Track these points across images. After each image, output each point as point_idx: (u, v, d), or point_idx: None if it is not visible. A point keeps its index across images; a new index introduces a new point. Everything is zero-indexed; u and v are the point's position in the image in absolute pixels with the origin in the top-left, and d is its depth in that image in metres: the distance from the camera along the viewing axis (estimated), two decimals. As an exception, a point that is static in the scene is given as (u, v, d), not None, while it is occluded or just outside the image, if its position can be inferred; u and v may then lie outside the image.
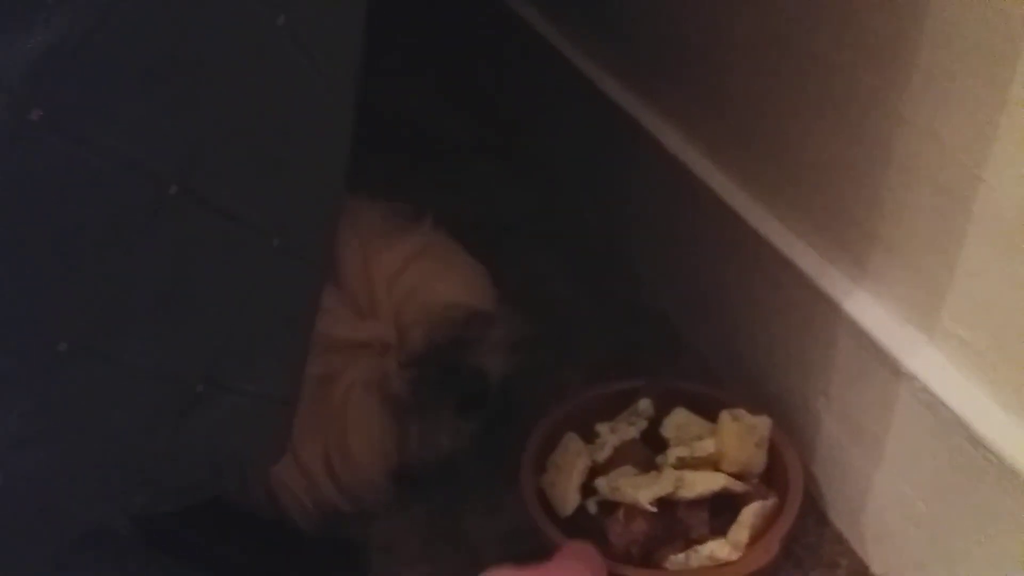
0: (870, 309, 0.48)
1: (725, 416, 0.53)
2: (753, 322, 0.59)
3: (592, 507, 0.51)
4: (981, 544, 0.43)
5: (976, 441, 0.41)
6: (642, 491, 0.49)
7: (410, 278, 0.54)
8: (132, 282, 0.31)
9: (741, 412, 0.53)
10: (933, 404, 0.44)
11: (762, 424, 0.52)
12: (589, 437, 0.55)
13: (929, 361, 0.45)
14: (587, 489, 0.52)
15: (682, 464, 0.51)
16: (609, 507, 0.50)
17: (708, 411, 0.54)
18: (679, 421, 0.54)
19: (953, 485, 0.44)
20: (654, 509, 0.48)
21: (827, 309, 0.51)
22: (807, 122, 0.51)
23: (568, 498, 0.51)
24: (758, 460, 0.52)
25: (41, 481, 0.33)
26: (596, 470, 0.53)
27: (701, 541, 0.49)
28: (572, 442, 0.54)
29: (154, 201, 0.30)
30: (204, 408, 0.34)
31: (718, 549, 0.48)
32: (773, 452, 0.52)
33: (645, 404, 0.55)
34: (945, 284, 0.44)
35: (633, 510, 0.49)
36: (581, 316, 0.72)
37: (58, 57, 0.26)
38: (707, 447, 0.51)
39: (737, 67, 0.56)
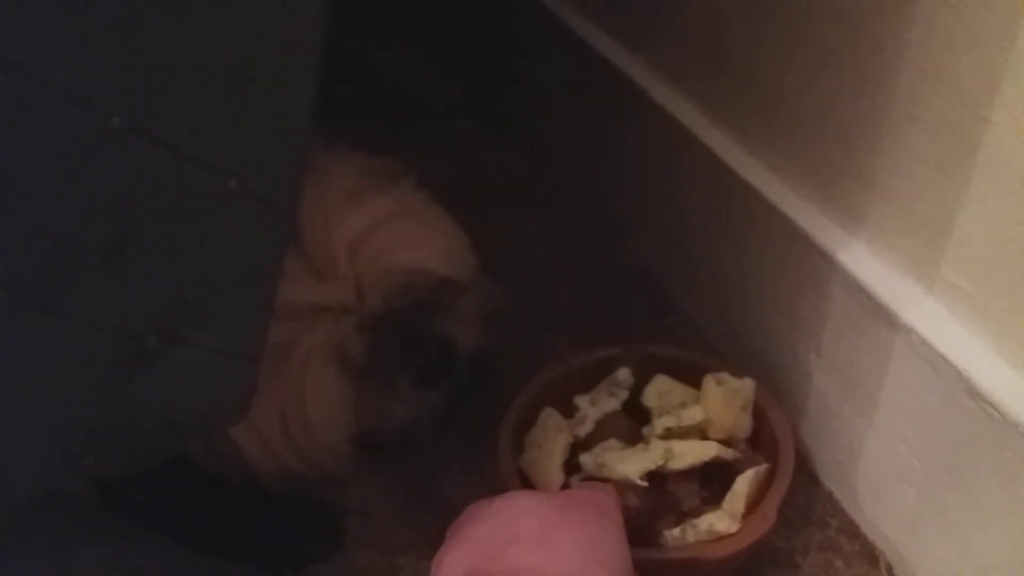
0: (866, 261, 0.46)
1: (709, 381, 0.51)
2: (743, 278, 0.57)
3: (578, 485, 0.49)
4: (978, 503, 0.42)
5: (977, 395, 0.40)
6: (632, 466, 0.47)
7: (376, 241, 0.52)
8: (74, 224, 0.28)
9: (724, 376, 0.51)
10: (931, 357, 0.42)
11: (746, 387, 0.51)
12: (568, 411, 0.53)
13: (928, 313, 0.43)
14: (570, 466, 0.50)
15: (669, 434, 0.49)
16: (594, 481, 0.48)
17: (689, 376, 0.53)
18: (660, 389, 0.53)
19: (950, 441, 0.42)
20: (645, 484, 0.46)
21: (820, 262, 0.49)
22: (806, 70, 0.48)
23: (551, 478, 0.49)
24: (744, 424, 0.50)
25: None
26: (578, 445, 0.51)
27: (693, 513, 0.47)
28: (550, 418, 0.52)
29: (94, 134, 0.27)
30: (157, 363, 0.32)
31: (717, 521, 0.46)
32: (758, 414, 0.51)
33: (624, 374, 0.53)
34: (945, 233, 0.41)
35: (622, 486, 0.46)
36: (567, 279, 0.70)
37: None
38: (695, 415, 0.50)
39: (732, 16, 0.53)
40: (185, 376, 0.33)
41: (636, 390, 0.53)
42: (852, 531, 0.51)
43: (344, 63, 0.52)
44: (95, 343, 0.30)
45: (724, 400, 0.50)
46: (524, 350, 0.62)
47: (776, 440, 0.49)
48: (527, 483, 0.49)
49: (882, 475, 0.48)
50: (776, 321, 0.55)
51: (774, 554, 0.50)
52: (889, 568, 0.49)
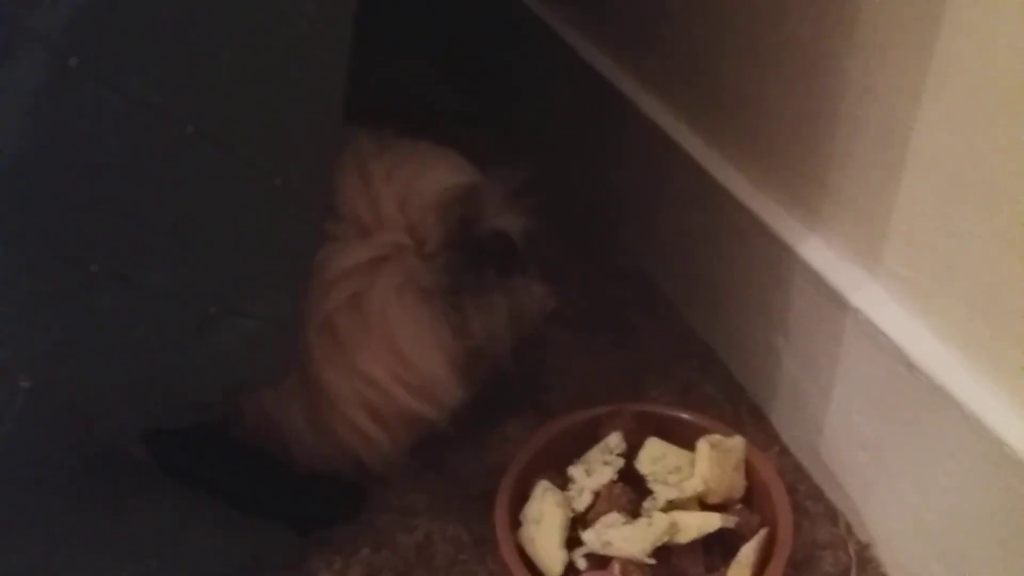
0: (821, 252, 0.53)
1: (703, 446, 0.51)
2: (720, 272, 0.64)
3: (581, 562, 0.48)
4: (917, 463, 0.48)
5: (912, 366, 0.46)
6: (638, 544, 0.46)
7: (401, 179, 0.54)
8: (153, 212, 0.36)
9: (717, 438, 0.52)
10: (874, 334, 0.48)
11: (737, 446, 0.52)
12: (561, 481, 0.52)
13: (872, 296, 0.49)
14: (569, 540, 0.49)
15: (671, 506, 0.49)
16: (599, 558, 0.48)
17: (678, 434, 0.54)
18: (654, 454, 0.52)
19: (893, 409, 0.49)
20: (653, 562, 0.46)
21: (785, 254, 0.55)
22: (765, 86, 0.55)
23: (555, 559, 0.48)
24: (739, 484, 0.51)
25: (70, 389, 0.38)
26: (577, 519, 0.50)
27: None
28: (548, 493, 0.51)
29: (173, 140, 0.34)
30: (216, 328, 0.39)
31: None
32: (749, 469, 0.52)
33: (616, 439, 0.53)
34: (885, 226, 0.48)
35: (628, 564, 0.46)
36: (568, 275, 0.77)
37: (94, 11, 0.30)
38: (696, 485, 0.50)
39: (708, 39, 0.60)
40: (239, 340, 0.40)
41: (628, 453, 0.53)
42: (817, 495, 0.57)
43: (368, 76, 0.59)
44: (167, 310, 0.38)
45: (719, 464, 0.51)
46: (529, 338, 0.68)
47: (769, 494, 0.50)
48: (527, 560, 0.49)
49: (840, 443, 0.54)
50: (750, 310, 0.61)
51: (745, 515, 0.56)
52: (848, 527, 0.55)
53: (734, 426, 0.61)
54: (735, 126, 0.59)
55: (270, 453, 0.57)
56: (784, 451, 0.60)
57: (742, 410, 0.63)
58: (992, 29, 0.39)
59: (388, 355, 0.52)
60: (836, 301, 0.51)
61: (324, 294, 0.49)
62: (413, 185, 0.55)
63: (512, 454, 0.55)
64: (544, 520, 0.49)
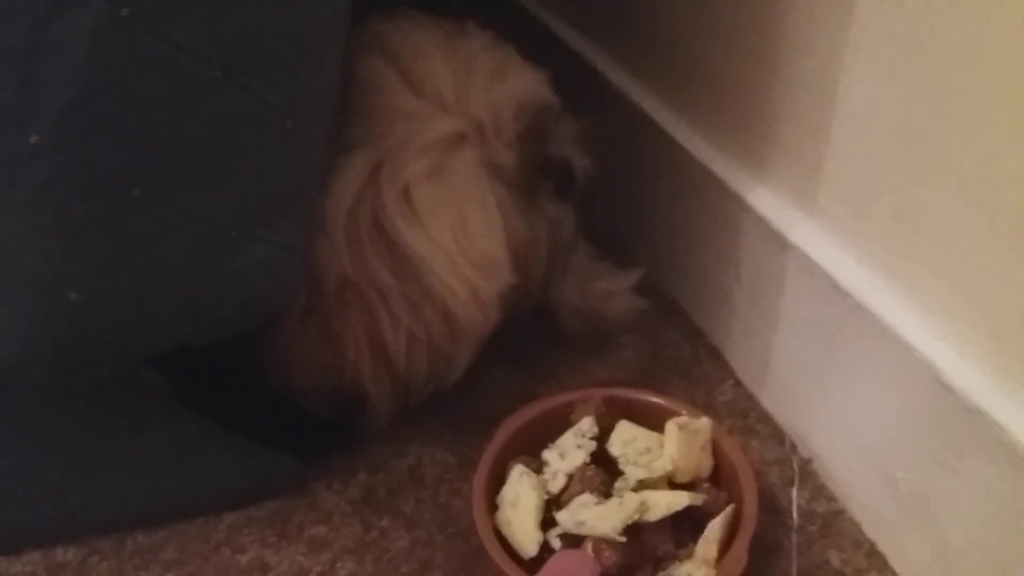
0: (767, 199, 0.60)
1: (671, 428, 0.53)
2: (683, 227, 0.71)
3: (555, 541, 0.50)
4: (848, 380, 0.55)
5: (839, 289, 0.53)
6: (610, 522, 0.48)
7: (490, 69, 0.56)
8: (187, 145, 0.42)
9: (684, 420, 0.54)
10: (810, 266, 0.55)
11: (705, 426, 0.54)
12: (536, 465, 0.54)
13: (808, 234, 0.56)
14: (544, 521, 0.51)
15: (641, 485, 0.51)
16: (573, 538, 0.50)
17: (647, 416, 0.56)
18: (624, 436, 0.54)
19: (825, 332, 0.56)
20: (624, 539, 0.48)
21: (735, 203, 0.62)
22: (716, 49, 0.62)
23: (530, 539, 0.50)
24: (706, 463, 0.54)
25: (112, 303, 0.44)
26: (551, 501, 0.52)
27: (667, 558, 0.49)
28: (524, 476, 0.53)
29: (204, 82, 0.41)
30: (236, 251, 0.45)
31: (695, 570, 0.48)
32: (715, 448, 0.54)
33: (588, 423, 0.55)
34: (819, 172, 0.55)
35: (601, 542, 0.48)
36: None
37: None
38: (664, 464, 0.52)
39: (665, 7, 0.67)
40: (255, 263, 0.46)
41: (600, 436, 0.55)
42: (766, 419, 0.64)
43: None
44: (196, 233, 0.44)
45: (687, 445, 0.53)
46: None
47: (736, 473, 0.52)
48: (504, 542, 0.50)
49: (784, 370, 0.61)
50: (707, 259, 0.68)
51: (704, 438, 0.63)
52: (792, 446, 0.62)
53: (692, 365, 0.69)
54: (691, 88, 0.66)
55: (278, 389, 0.63)
56: (737, 383, 0.67)
57: (700, 351, 0.70)
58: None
59: (458, 226, 0.54)
60: (779, 242, 0.58)
61: (404, 165, 0.52)
62: (501, 78, 0.57)
63: (495, 402, 0.60)
64: (520, 503, 0.51)
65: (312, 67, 0.46)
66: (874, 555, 0.54)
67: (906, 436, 0.50)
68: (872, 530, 0.55)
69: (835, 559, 0.55)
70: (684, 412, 0.55)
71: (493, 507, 0.52)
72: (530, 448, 0.55)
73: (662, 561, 0.49)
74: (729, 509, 0.50)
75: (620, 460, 0.53)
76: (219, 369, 0.59)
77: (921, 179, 0.47)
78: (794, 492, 0.58)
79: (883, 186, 0.50)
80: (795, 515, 0.57)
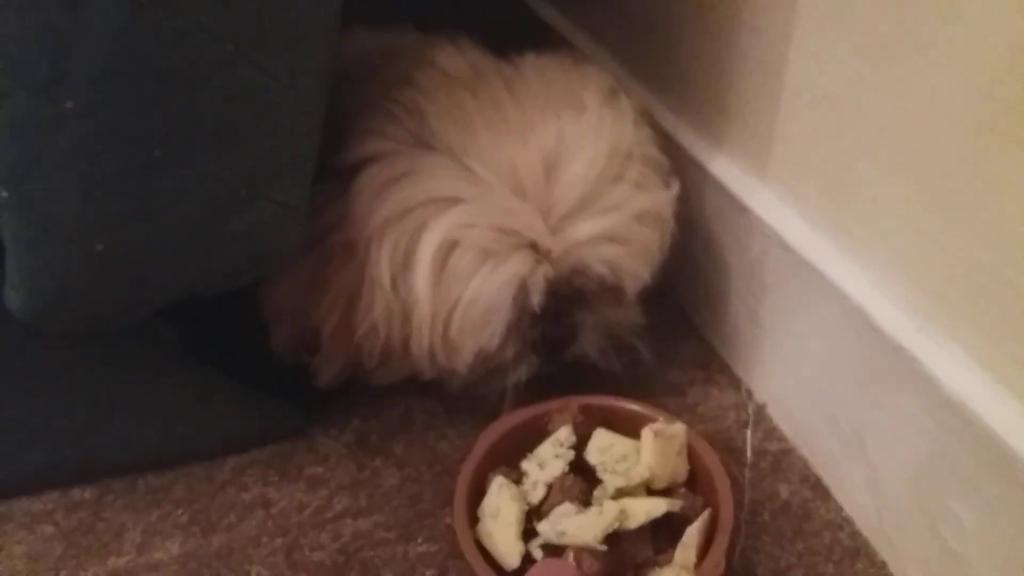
0: (727, 167, 0.66)
1: (647, 434, 0.54)
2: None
3: (537, 552, 0.50)
4: (795, 330, 0.61)
5: (786, 246, 0.59)
6: (590, 531, 0.49)
7: (580, 185, 0.56)
8: (202, 111, 0.47)
9: (660, 426, 0.55)
10: (764, 228, 0.61)
11: (680, 432, 0.55)
12: (515, 476, 0.55)
13: (762, 200, 0.62)
14: (525, 531, 0.52)
15: (620, 493, 0.52)
16: (554, 548, 0.50)
17: (623, 423, 0.57)
18: (602, 444, 0.55)
19: (775, 286, 0.62)
20: (605, 548, 0.49)
21: (699, 173, 0.68)
22: (684, 31, 0.68)
23: (512, 551, 0.50)
24: (682, 469, 0.55)
25: (134, 252, 0.49)
26: (532, 511, 0.53)
27: (647, 565, 0.50)
28: (503, 488, 0.53)
29: (217, 55, 0.46)
30: (245, 208, 0.50)
31: None
32: (691, 453, 0.55)
33: (565, 433, 0.55)
34: (773, 141, 0.61)
35: (582, 551, 0.49)
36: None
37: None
38: (642, 472, 0.52)
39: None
40: (262, 219, 0.51)
41: (577, 444, 0.55)
42: (725, 369, 0.70)
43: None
44: (210, 191, 0.49)
45: (663, 451, 0.54)
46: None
47: (711, 478, 0.53)
48: (486, 554, 0.51)
49: (741, 324, 0.67)
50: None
51: (667, 387, 0.69)
52: (748, 392, 0.68)
53: (662, 326, 0.74)
54: (662, 66, 0.72)
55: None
56: (701, 340, 0.73)
57: (669, 313, 0.76)
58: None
59: (452, 304, 0.56)
60: (736, 206, 0.64)
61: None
62: (589, 218, 0.57)
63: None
64: (501, 514, 0.52)
65: (310, 45, 0.51)
66: (819, 487, 0.61)
67: (845, 378, 0.56)
68: (818, 465, 0.61)
69: (784, 491, 0.61)
70: (659, 418, 0.56)
71: (475, 519, 0.53)
72: (509, 459, 0.56)
73: (642, 568, 0.50)
74: (706, 514, 0.51)
75: (598, 468, 0.54)
76: (225, 326, 0.64)
77: (858, 148, 0.53)
78: (748, 433, 0.64)
79: (824, 155, 0.56)
80: (749, 453, 0.63)
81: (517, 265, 0.55)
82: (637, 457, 0.54)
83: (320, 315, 0.61)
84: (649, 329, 0.72)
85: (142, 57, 0.44)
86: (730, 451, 0.64)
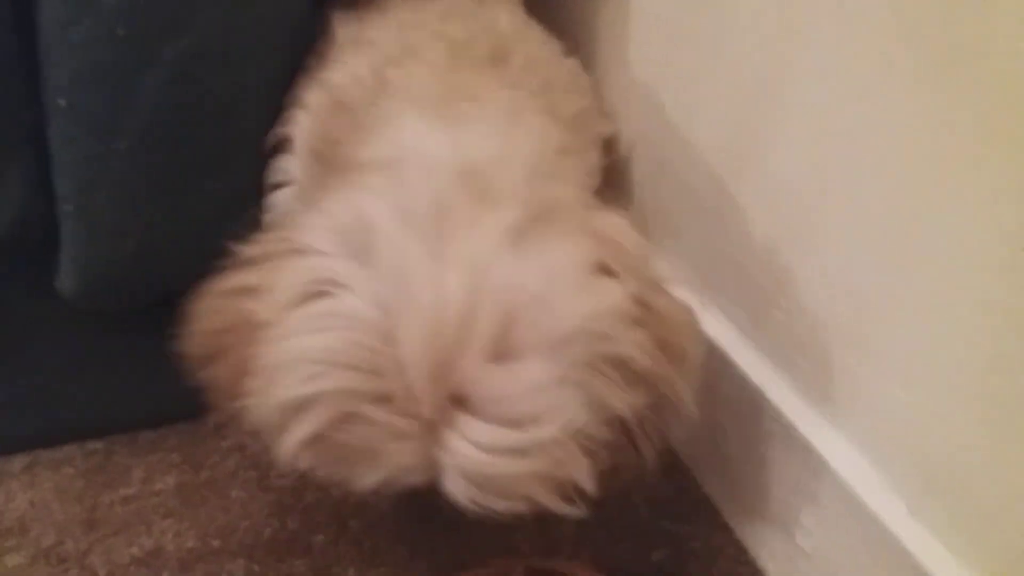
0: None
1: None
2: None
3: None
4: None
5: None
6: None
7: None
8: (209, 148, 0.68)
9: None
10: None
11: None
12: None
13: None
14: None
15: None
16: None
17: None
18: None
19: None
20: None
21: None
22: None
23: None
24: None
25: (158, 249, 0.69)
26: None
27: None
28: None
29: (222, 111, 0.67)
30: (237, 215, 0.71)
31: None
32: None
33: None
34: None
35: None
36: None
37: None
38: None
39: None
40: (251, 222, 0.72)
41: None
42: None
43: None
44: (212, 203, 0.69)
45: None
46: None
47: None
48: None
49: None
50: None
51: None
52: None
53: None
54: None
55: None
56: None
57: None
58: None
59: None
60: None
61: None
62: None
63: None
64: None
65: (275, 44, 0.70)
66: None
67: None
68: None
69: None
70: None
71: None
72: None
73: None
74: None
75: None
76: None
77: (702, 70, 0.76)
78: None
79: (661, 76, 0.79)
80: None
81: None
82: None
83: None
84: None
85: (173, 115, 0.65)
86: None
